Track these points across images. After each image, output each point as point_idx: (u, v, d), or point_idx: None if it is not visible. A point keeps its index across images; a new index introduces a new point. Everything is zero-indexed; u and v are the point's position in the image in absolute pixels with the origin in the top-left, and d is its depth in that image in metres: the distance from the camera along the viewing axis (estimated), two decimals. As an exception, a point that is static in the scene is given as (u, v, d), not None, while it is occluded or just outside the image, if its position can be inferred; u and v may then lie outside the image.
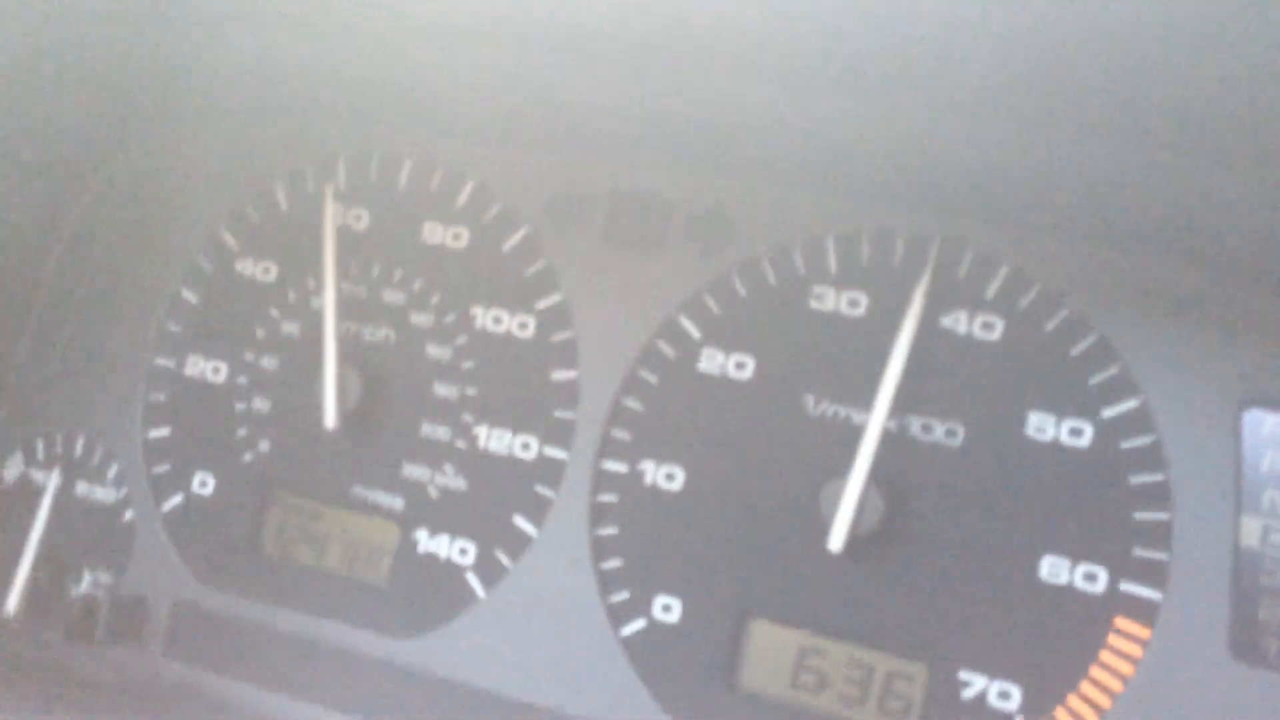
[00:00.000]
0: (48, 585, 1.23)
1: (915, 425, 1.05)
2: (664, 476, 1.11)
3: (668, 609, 1.09)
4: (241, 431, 1.23)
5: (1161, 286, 1.02)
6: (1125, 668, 0.98)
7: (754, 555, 1.08)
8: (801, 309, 1.10)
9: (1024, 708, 1.00)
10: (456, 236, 1.20)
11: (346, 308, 1.21)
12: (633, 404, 1.13)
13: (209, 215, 1.28)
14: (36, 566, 1.22)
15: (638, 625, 1.10)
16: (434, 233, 1.20)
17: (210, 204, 1.28)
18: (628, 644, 1.10)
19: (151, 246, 1.29)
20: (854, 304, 1.08)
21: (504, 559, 1.14)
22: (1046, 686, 0.99)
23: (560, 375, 1.15)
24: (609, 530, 1.12)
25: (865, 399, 1.05)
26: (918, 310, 1.04)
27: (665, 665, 1.09)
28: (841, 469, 1.04)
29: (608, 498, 1.12)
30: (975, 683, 1.01)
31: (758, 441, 1.09)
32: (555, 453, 1.14)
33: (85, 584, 1.23)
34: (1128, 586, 0.99)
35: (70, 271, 1.31)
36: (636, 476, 1.12)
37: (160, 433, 1.25)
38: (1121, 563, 0.99)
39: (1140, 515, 0.99)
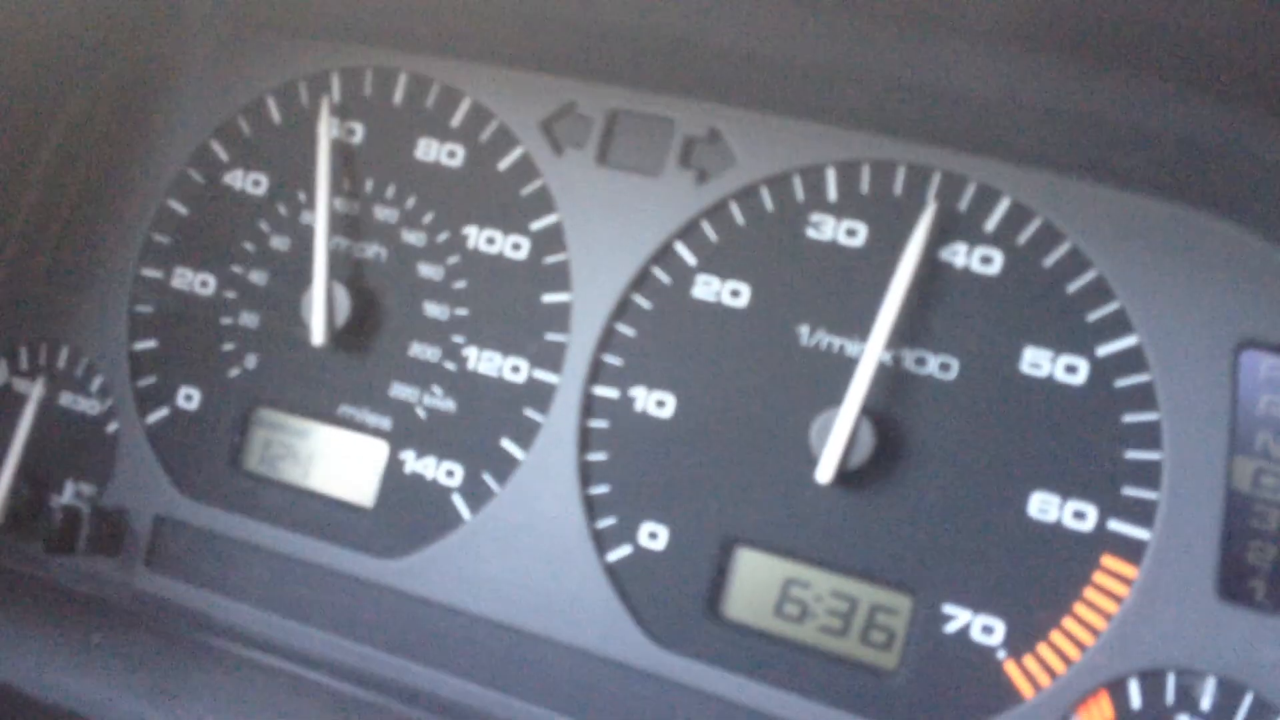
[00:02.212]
0: (29, 496, 1.22)
1: (909, 358, 1.04)
2: (655, 403, 1.10)
3: (654, 536, 1.09)
4: (228, 346, 1.21)
5: (1162, 226, 1.01)
6: (1110, 605, 0.98)
7: (742, 484, 1.07)
8: (799, 238, 1.09)
9: (1007, 642, 1.00)
10: (451, 154, 1.18)
11: (337, 224, 1.19)
12: (625, 329, 1.12)
13: (199, 126, 1.26)
14: (18, 477, 1.21)
15: (624, 551, 1.09)
16: (429, 150, 1.18)
17: (201, 115, 1.26)
18: (613, 570, 1.09)
19: (140, 156, 1.27)
20: (852, 234, 1.07)
21: (491, 482, 1.13)
22: (1030, 621, 0.99)
23: (552, 298, 1.14)
24: (598, 456, 1.11)
25: (860, 330, 1.05)
26: (921, 241, 1.03)
27: (650, 592, 1.08)
28: (833, 400, 1.03)
29: (597, 423, 1.11)
30: (959, 616, 1.01)
31: (750, 370, 1.08)
32: (545, 376, 1.13)
33: (67, 495, 1.22)
34: (1116, 525, 0.98)
35: (57, 181, 1.29)
36: (627, 402, 1.11)
37: (146, 345, 1.24)
38: (1111, 501, 0.99)
39: (1132, 454, 0.99)
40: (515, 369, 1.14)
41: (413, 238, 1.17)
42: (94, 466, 1.23)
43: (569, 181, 1.14)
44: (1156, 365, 0.99)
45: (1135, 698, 0.97)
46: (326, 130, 1.18)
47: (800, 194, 1.09)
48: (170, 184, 1.25)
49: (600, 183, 1.14)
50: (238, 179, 1.24)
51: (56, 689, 0.99)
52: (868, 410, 1.02)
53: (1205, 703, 0.95)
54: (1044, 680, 0.99)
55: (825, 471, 1.02)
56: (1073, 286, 1.02)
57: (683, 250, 1.11)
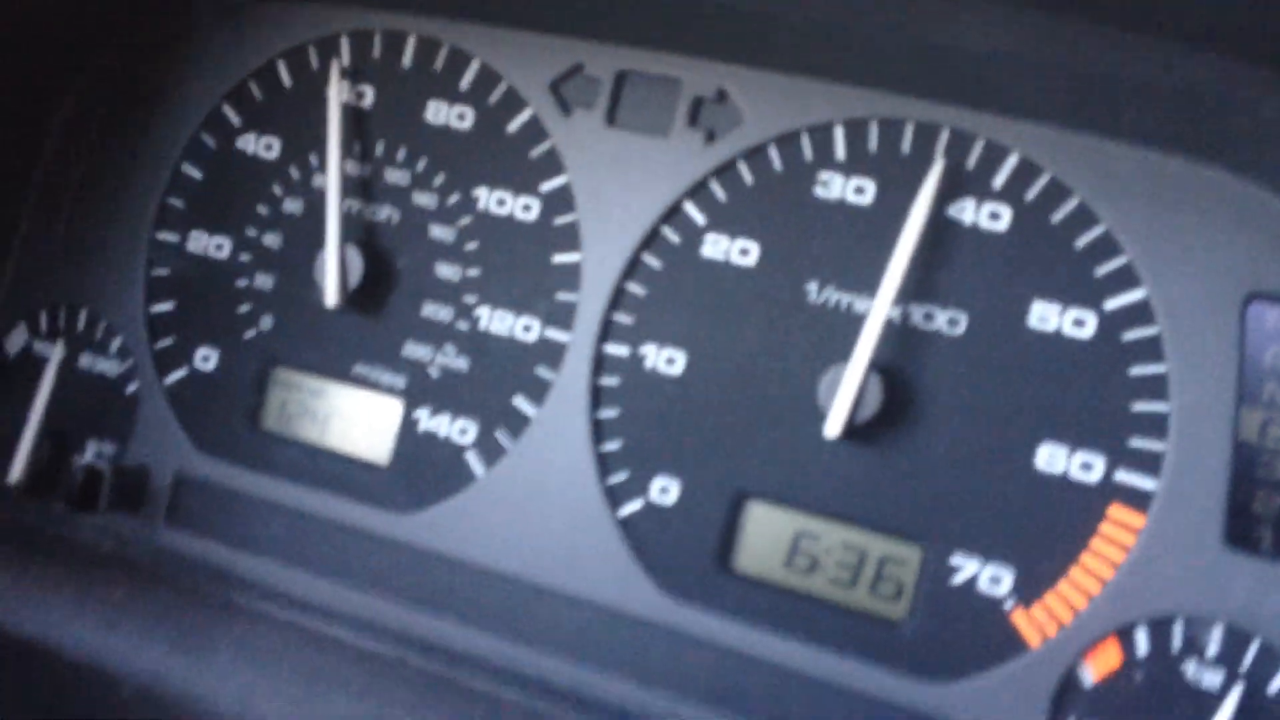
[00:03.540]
0: (51, 455, 1.24)
1: (917, 314, 1.05)
2: (665, 360, 1.11)
3: (665, 491, 1.10)
4: (244, 308, 1.23)
5: (1169, 180, 1.01)
6: (1117, 555, 0.99)
7: (752, 439, 1.08)
8: (807, 196, 1.09)
9: (1015, 591, 1.01)
10: (461, 117, 1.19)
11: (349, 186, 1.20)
12: (635, 288, 1.13)
13: (211, 90, 1.27)
14: (40, 437, 1.23)
15: (635, 506, 1.11)
16: (438, 113, 1.19)
17: (213, 79, 1.27)
18: (624, 524, 1.11)
19: (153, 120, 1.28)
20: (860, 191, 1.08)
21: (504, 439, 1.15)
22: (1038, 572, 1.01)
23: (563, 258, 1.15)
24: (609, 413, 1.12)
25: (868, 287, 1.05)
26: (929, 198, 1.03)
27: (661, 546, 1.10)
28: (841, 356, 1.04)
29: (608, 380, 1.13)
30: (967, 566, 1.02)
31: (759, 327, 1.09)
32: (557, 335, 1.14)
33: (88, 454, 1.24)
34: (1124, 475, 0.99)
35: (73, 144, 1.30)
36: (638, 360, 1.12)
37: (164, 307, 1.26)
38: (1119, 452, 1.00)
39: (1139, 406, 1.00)
40: (527, 328, 1.15)
41: (424, 200, 1.18)
42: (114, 426, 1.25)
43: (578, 142, 1.15)
44: (1164, 318, 0.99)
45: (1142, 645, 0.98)
46: (337, 94, 1.19)
47: (808, 152, 1.10)
48: (184, 148, 1.27)
49: (609, 143, 1.14)
50: (250, 143, 1.25)
51: (80, 644, 1.01)
52: (876, 365, 1.03)
53: (1212, 649, 0.96)
54: (1051, 629, 1.00)
55: (834, 426, 1.03)
56: (1081, 241, 1.02)
57: (692, 210, 1.12)
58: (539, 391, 1.14)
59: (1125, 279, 1.01)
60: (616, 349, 1.13)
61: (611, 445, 1.12)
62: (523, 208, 1.16)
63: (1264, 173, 0.98)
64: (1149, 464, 0.99)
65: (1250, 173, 0.99)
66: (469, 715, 1.03)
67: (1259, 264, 0.98)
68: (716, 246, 1.11)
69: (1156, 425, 0.99)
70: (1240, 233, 0.99)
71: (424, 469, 1.16)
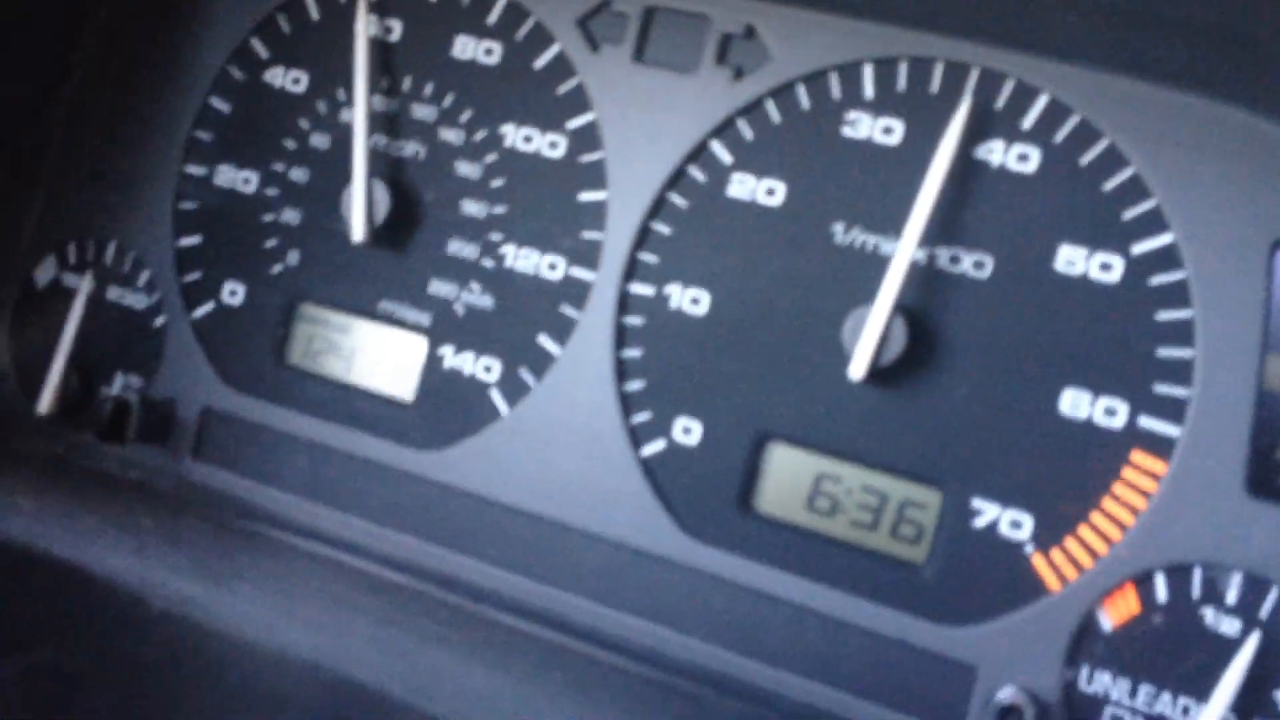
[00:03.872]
0: (79, 387, 1.25)
1: (943, 256, 1.05)
2: (689, 300, 1.11)
3: (688, 431, 1.10)
4: (271, 243, 1.23)
5: (1199, 123, 1.00)
6: (1138, 501, 0.99)
7: (776, 380, 1.08)
8: (835, 136, 1.09)
9: (1035, 536, 1.01)
10: (489, 52, 1.18)
11: (376, 122, 1.20)
12: (661, 227, 1.12)
13: (239, 23, 1.27)
14: (68, 369, 1.24)
15: (658, 446, 1.11)
16: (465, 48, 1.19)
17: (241, 12, 1.27)
18: (647, 464, 1.11)
19: (181, 53, 1.28)
20: (889, 131, 1.07)
21: (528, 377, 1.15)
22: (1058, 517, 1.01)
23: (589, 196, 1.14)
24: (633, 352, 1.12)
25: (894, 228, 1.05)
26: (955, 137, 1.02)
27: (683, 486, 1.10)
28: (867, 298, 1.04)
29: (633, 320, 1.13)
30: (988, 511, 1.02)
31: (785, 268, 1.09)
32: (582, 273, 1.14)
33: (116, 387, 1.25)
34: (1147, 421, 0.99)
35: (100, 77, 1.30)
36: (662, 300, 1.12)
37: (191, 241, 1.26)
38: (1142, 398, 0.99)
39: (1164, 352, 0.99)
40: (552, 266, 1.15)
41: (451, 135, 1.18)
42: (142, 359, 1.26)
43: (605, 79, 1.14)
44: (1191, 263, 0.99)
45: (1161, 591, 0.98)
46: (364, 27, 1.19)
47: (837, 91, 1.09)
48: (212, 81, 1.27)
49: (636, 80, 1.14)
50: (278, 76, 1.25)
51: (108, 566, 1.03)
52: (901, 307, 1.03)
53: (1231, 596, 0.96)
54: (1070, 574, 1.00)
55: (858, 368, 1.03)
56: (1109, 184, 1.01)
57: (718, 148, 1.11)
58: (563, 330, 1.14)
59: (1153, 223, 1.00)
60: (641, 288, 1.13)
61: (635, 385, 1.12)
62: (549, 145, 1.16)
63: (1298, 117, 0.97)
64: (1173, 410, 0.99)
65: (1282, 117, 0.98)
66: (488, 645, 1.05)
67: None
68: (743, 186, 1.11)
69: (1181, 371, 0.99)
70: (1270, 178, 0.98)
71: (448, 406, 1.17)
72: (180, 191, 1.27)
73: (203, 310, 1.25)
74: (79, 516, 1.13)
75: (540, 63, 1.16)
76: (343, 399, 1.20)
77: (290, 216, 1.23)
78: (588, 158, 1.14)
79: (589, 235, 1.14)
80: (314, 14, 1.24)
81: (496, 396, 1.16)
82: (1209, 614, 0.97)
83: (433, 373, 1.18)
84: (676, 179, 1.12)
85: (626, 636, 1.10)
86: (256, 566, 1.10)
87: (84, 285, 1.27)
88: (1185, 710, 0.97)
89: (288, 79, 1.25)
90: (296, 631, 0.98)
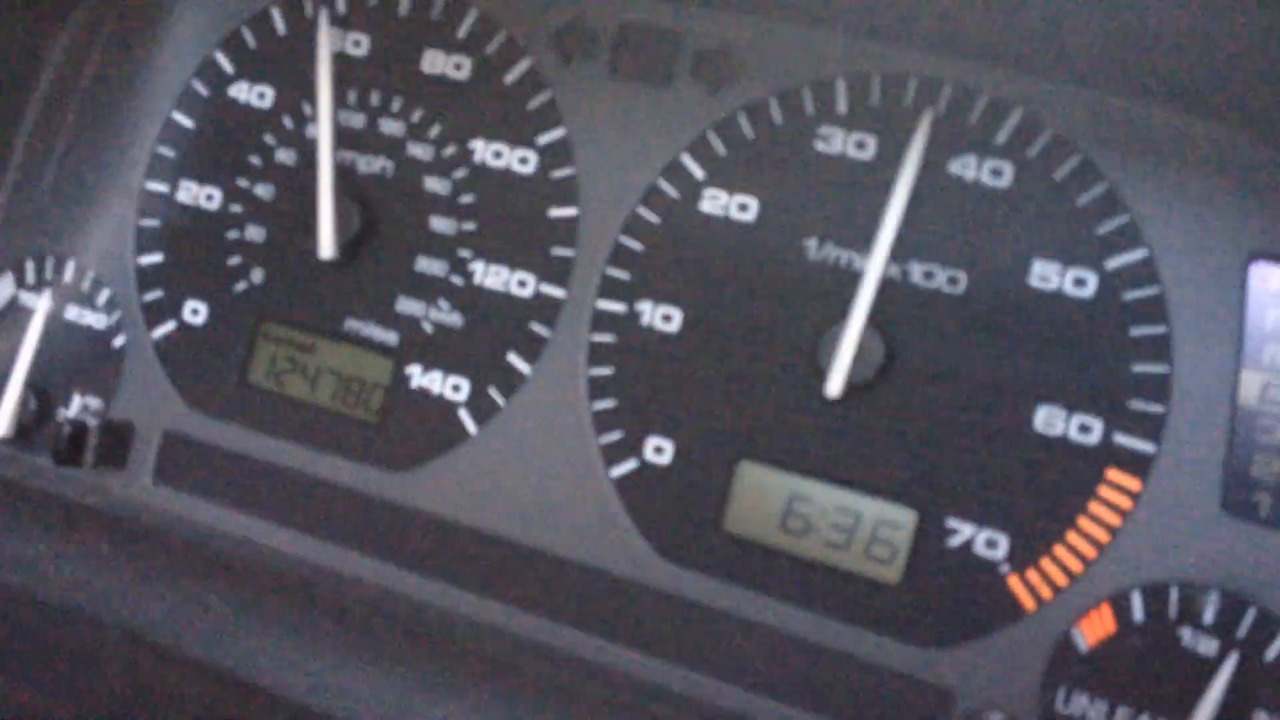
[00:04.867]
0: (37, 408, 1.22)
1: (917, 271, 1.04)
2: (661, 317, 1.10)
3: (660, 450, 1.09)
4: (234, 260, 1.21)
5: (1172, 137, 1.00)
6: (1114, 519, 0.98)
7: (749, 399, 1.07)
8: (808, 151, 1.08)
9: (1010, 556, 1.00)
10: (458, 66, 1.17)
11: (343, 137, 1.18)
12: (632, 243, 1.11)
13: (204, 37, 1.25)
14: (25, 390, 1.21)
15: (629, 466, 1.09)
16: (435, 62, 1.17)
17: (205, 26, 1.25)
18: (619, 484, 1.09)
19: (144, 68, 1.26)
20: (861, 146, 1.06)
21: (497, 396, 1.13)
22: (1034, 536, 1.00)
23: (560, 212, 1.13)
24: (604, 370, 1.11)
25: (868, 244, 1.04)
26: (919, 151, 1.02)
27: (655, 506, 1.09)
28: (841, 315, 1.03)
29: (604, 337, 1.11)
30: (963, 530, 1.01)
31: (757, 284, 1.08)
32: (552, 291, 1.13)
33: (74, 409, 1.22)
34: (1122, 439, 0.98)
35: (62, 91, 1.28)
36: (634, 317, 1.11)
37: (152, 259, 1.24)
38: (1117, 414, 0.98)
39: (1139, 368, 0.98)
40: (522, 283, 1.13)
41: (419, 151, 1.17)
42: (101, 380, 1.23)
43: (577, 95, 1.13)
44: (1166, 278, 0.98)
45: (1138, 610, 0.97)
46: (326, 41, 1.17)
47: (810, 107, 1.08)
48: (176, 96, 1.25)
49: (608, 95, 1.13)
50: (243, 91, 1.23)
51: (65, 591, 1.00)
52: (875, 324, 1.02)
53: (1208, 616, 0.95)
54: (1046, 593, 0.99)
55: (834, 385, 1.02)
56: (1083, 199, 1.01)
57: (691, 163, 1.10)
58: (533, 348, 1.13)
59: (1127, 237, 0.99)
60: (612, 305, 1.11)
61: (606, 403, 1.10)
62: (520, 160, 1.14)
63: (1269, 131, 0.97)
64: (1148, 427, 0.98)
65: (1255, 131, 0.98)
66: (457, 672, 1.03)
67: (1262, 223, 0.97)
68: (715, 201, 1.10)
69: (1156, 388, 0.98)
70: (1243, 192, 0.98)
71: (416, 427, 1.15)
72: (142, 208, 1.24)
73: (163, 330, 1.23)
74: (34, 543, 1.11)
75: (511, 77, 1.15)
76: (307, 420, 1.17)
77: (255, 234, 1.21)
78: (559, 173, 1.13)
79: (560, 251, 1.13)
80: (280, 28, 1.22)
81: (465, 416, 1.14)
82: (1186, 634, 0.96)
83: (399, 393, 1.16)
84: (649, 194, 1.11)
85: (599, 661, 1.08)
86: (218, 592, 1.08)
87: (42, 304, 1.24)
88: (1164, 732, 0.96)
89: (253, 94, 1.23)
90: (260, 657, 0.96)
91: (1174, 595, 0.97)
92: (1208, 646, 0.95)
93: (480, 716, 0.99)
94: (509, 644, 1.09)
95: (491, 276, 1.14)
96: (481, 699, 1.01)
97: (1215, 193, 0.98)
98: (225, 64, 1.24)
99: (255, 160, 1.22)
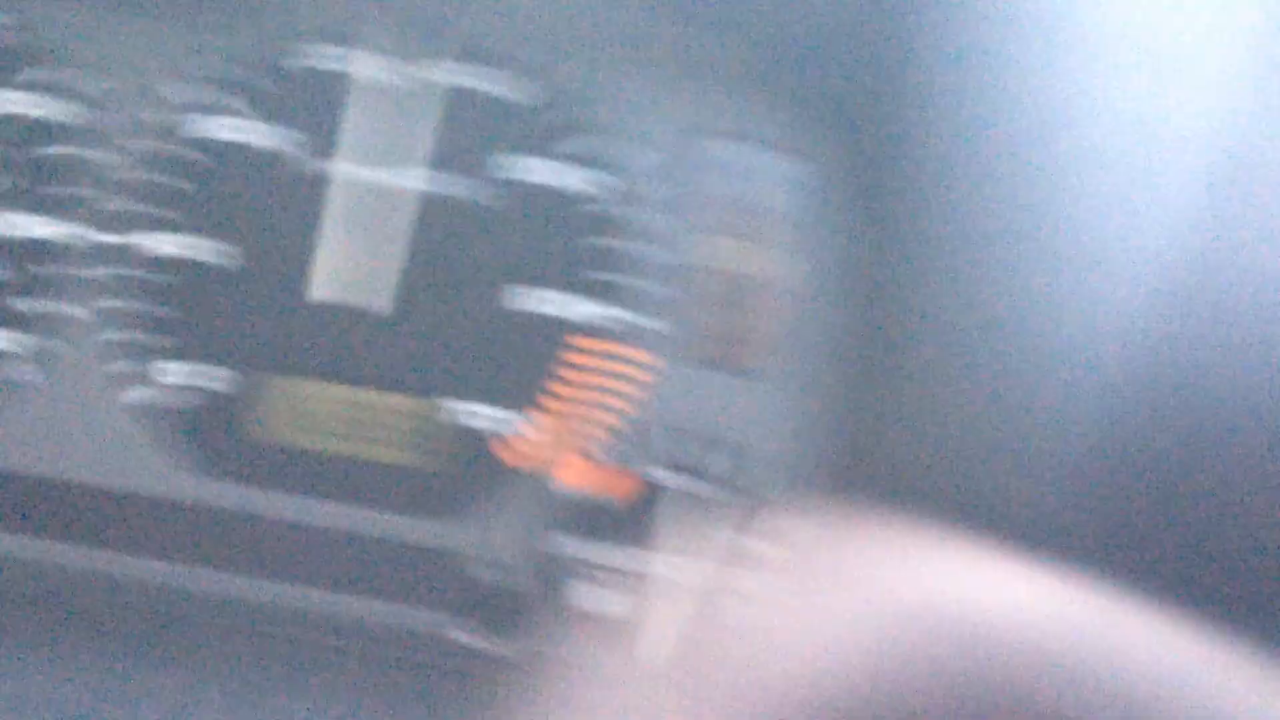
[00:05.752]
0: None
1: (392, 176, 1.12)
2: (161, 244, 1.13)
3: (171, 372, 1.13)
4: None
5: (610, 29, 1.11)
6: (591, 380, 1.10)
7: (249, 313, 1.12)
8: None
9: (502, 424, 1.11)
10: None
11: None
12: (131, 175, 1.14)
13: None
14: None
15: (144, 391, 1.13)
16: None
17: None
18: (135, 410, 1.13)
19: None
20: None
21: (8, 344, 1.14)
22: (512, 404, 1.12)
23: (60, 150, 1.14)
24: (110, 302, 1.13)
25: (348, 156, 1.11)
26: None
27: (174, 426, 1.12)
28: (321, 223, 1.10)
29: (105, 270, 1.13)
30: (456, 408, 1.11)
31: (249, 202, 1.13)
32: (54, 228, 1.14)
33: None
34: (585, 307, 1.10)
35: None
36: (133, 247, 1.13)
37: None
38: (582, 286, 1.10)
39: (599, 242, 1.10)
40: (12, 225, 1.14)
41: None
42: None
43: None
44: (618, 159, 1.11)
45: (612, 455, 1.10)
46: None
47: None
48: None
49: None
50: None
51: None
52: (350, 229, 1.10)
53: (684, 457, 1.09)
54: (534, 453, 1.10)
55: (321, 290, 1.09)
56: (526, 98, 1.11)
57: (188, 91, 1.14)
58: (36, 288, 1.14)
59: (567, 129, 1.11)
60: (111, 238, 1.14)
61: (114, 334, 1.13)
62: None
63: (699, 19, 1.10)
64: (614, 295, 1.10)
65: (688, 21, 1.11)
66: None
67: (703, 104, 1.11)
68: (212, 124, 1.14)
69: (616, 260, 1.10)
70: (684, 76, 1.11)
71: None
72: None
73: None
74: None
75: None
76: None
77: None
78: (59, 115, 1.14)
79: (61, 190, 1.14)
80: None
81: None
82: (659, 472, 1.09)
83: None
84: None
85: (153, 580, 1.11)
86: None
87: None
88: (641, 559, 1.09)
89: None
90: None
91: (654, 439, 1.10)
92: (666, 477, 1.09)
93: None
94: (65, 581, 1.11)
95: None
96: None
97: (656, 78, 1.12)
98: None
99: None
